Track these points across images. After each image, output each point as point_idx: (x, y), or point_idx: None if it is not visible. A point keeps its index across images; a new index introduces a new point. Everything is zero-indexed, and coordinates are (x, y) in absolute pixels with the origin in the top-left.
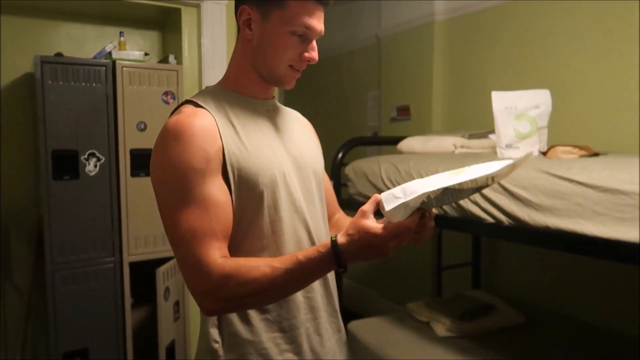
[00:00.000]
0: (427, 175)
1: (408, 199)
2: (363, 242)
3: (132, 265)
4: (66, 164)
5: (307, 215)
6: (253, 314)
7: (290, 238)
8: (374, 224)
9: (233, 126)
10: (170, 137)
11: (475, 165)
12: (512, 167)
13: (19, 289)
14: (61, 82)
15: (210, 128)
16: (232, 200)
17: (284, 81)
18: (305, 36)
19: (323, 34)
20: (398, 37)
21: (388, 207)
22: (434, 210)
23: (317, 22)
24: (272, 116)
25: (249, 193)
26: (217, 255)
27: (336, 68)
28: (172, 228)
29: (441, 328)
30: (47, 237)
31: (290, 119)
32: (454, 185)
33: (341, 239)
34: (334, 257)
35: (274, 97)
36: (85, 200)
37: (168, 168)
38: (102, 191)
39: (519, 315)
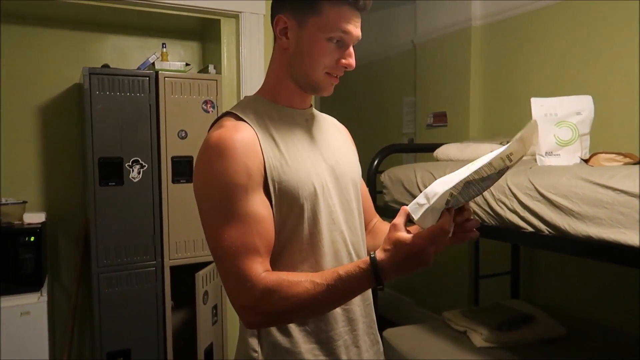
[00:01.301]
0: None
1: (432, 202)
2: (401, 255)
3: (173, 269)
4: (111, 170)
5: (344, 226)
6: (292, 325)
7: (329, 250)
8: (406, 235)
9: (273, 139)
10: (214, 152)
11: (489, 153)
12: (521, 141)
13: (66, 290)
14: (107, 92)
15: (251, 143)
16: (272, 214)
17: (322, 88)
18: (342, 42)
19: (360, 39)
20: (434, 43)
21: (416, 216)
22: (470, 209)
23: (354, 27)
24: (310, 126)
25: (289, 206)
26: (260, 269)
27: (372, 74)
28: (215, 243)
29: (478, 338)
30: (93, 240)
31: (328, 126)
32: (472, 176)
33: (380, 254)
34: (373, 274)
35: (311, 105)
36: (129, 206)
37: (211, 183)
38: (145, 197)
39: (559, 326)
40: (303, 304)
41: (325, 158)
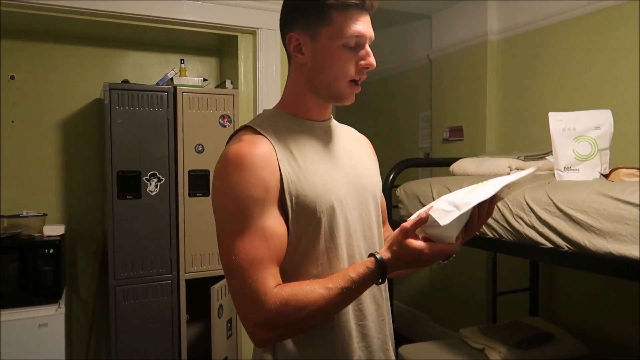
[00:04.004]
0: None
1: (463, 211)
2: (409, 259)
3: (188, 282)
4: (129, 184)
5: (361, 240)
6: (308, 340)
7: (346, 264)
8: (420, 243)
9: (291, 152)
10: (231, 166)
11: (491, 180)
12: (517, 185)
13: (84, 302)
14: (127, 107)
15: (269, 157)
16: (288, 227)
17: (345, 97)
18: (357, 45)
19: (373, 39)
20: (450, 57)
21: (444, 221)
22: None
23: (365, 27)
24: (329, 138)
25: (306, 220)
26: (273, 283)
27: (388, 89)
28: (228, 256)
29: (497, 356)
30: (110, 253)
31: (348, 137)
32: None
33: (386, 254)
34: (380, 272)
35: (330, 117)
36: (146, 219)
37: (228, 197)
38: (162, 210)
39: (580, 346)
40: (320, 310)
41: (345, 171)
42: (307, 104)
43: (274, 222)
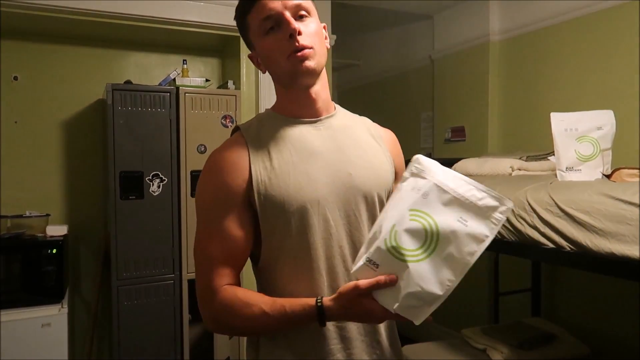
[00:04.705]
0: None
1: (433, 307)
2: (358, 317)
3: (191, 282)
4: (132, 184)
5: (345, 241)
6: (282, 342)
7: (323, 265)
8: (373, 306)
9: (268, 153)
10: (204, 169)
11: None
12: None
13: (86, 302)
14: (129, 108)
15: (238, 160)
16: (259, 223)
17: (295, 73)
18: (275, 26)
19: (291, 3)
20: (452, 58)
21: (417, 320)
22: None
23: (271, 5)
24: (322, 135)
25: (274, 219)
26: (221, 282)
27: (389, 90)
28: (195, 251)
29: (499, 356)
30: (113, 253)
31: (356, 133)
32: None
33: (331, 303)
34: (319, 318)
35: (328, 114)
36: (148, 219)
37: (198, 197)
38: (165, 211)
39: (583, 346)
40: (251, 325)
41: (330, 170)
42: (289, 101)
43: (233, 225)
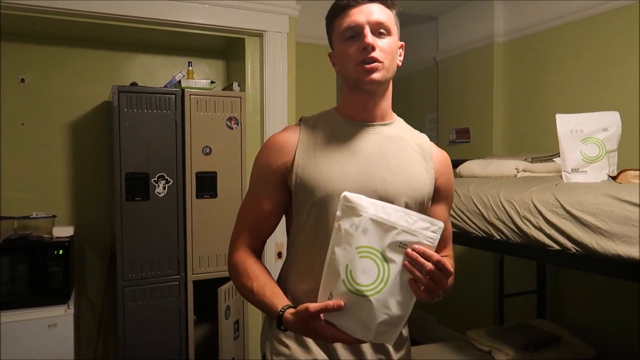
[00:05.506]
0: (488, 198)
1: (400, 326)
2: (309, 333)
3: (196, 283)
4: (138, 185)
5: None
6: (303, 342)
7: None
8: (321, 327)
9: (315, 143)
10: (261, 148)
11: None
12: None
13: (92, 303)
14: (135, 110)
15: (286, 144)
16: (291, 201)
17: (360, 79)
18: (355, 35)
19: (373, 21)
20: (457, 59)
21: (390, 342)
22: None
23: (357, 17)
24: (371, 139)
25: (304, 201)
26: (241, 244)
27: (394, 91)
28: (239, 211)
29: (504, 358)
30: (118, 254)
31: (401, 144)
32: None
33: (289, 317)
34: (277, 325)
35: (388, 122)
36: (154, 221)
37: (252, 170)
38: (170, 212)
39: (588, 348)
40: (241, 292)
41: (367, 170)
42: (350, 102)
43: (265, 200)
